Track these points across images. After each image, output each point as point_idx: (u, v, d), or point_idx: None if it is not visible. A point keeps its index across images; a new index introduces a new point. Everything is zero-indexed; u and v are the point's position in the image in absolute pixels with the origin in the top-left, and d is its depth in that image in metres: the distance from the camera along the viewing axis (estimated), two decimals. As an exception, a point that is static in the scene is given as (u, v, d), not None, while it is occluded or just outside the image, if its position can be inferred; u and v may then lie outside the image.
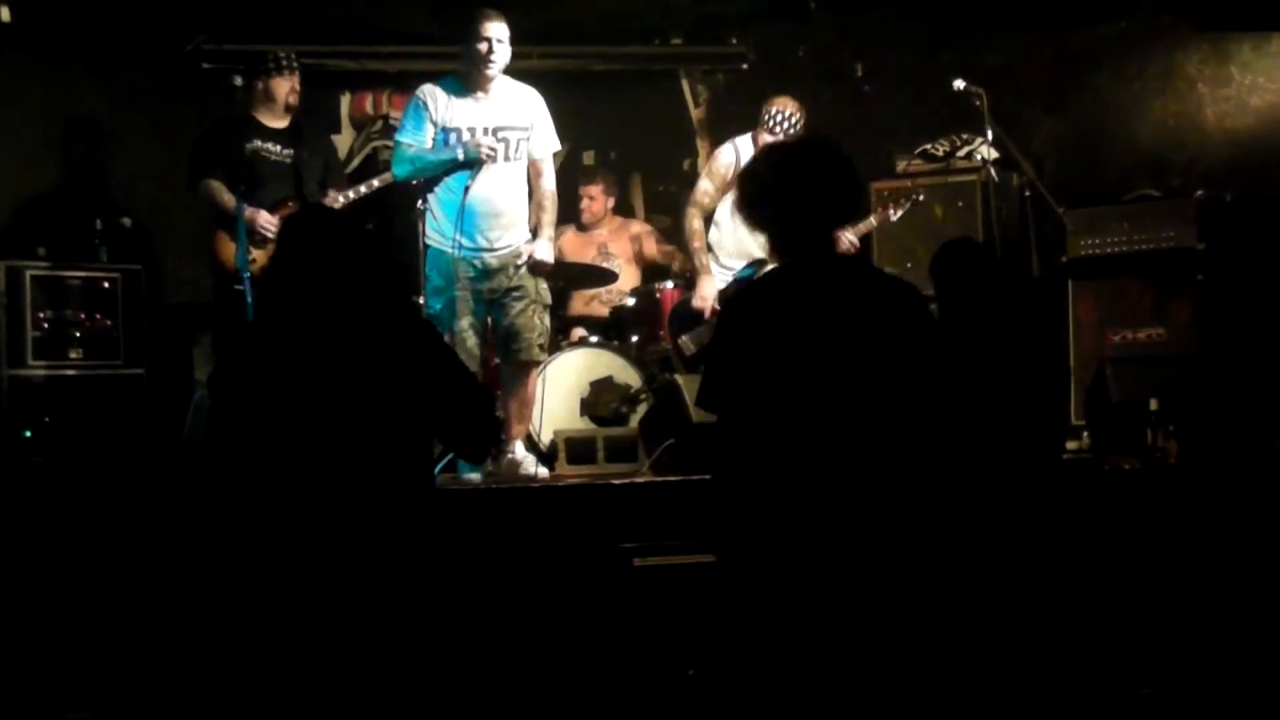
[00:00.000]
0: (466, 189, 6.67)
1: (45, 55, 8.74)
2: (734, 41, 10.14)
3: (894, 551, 3.77)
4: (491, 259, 6.77)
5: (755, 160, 4.21)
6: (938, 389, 3.89)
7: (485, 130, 6.70)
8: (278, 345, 4.05)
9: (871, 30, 9.61)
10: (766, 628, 3.84)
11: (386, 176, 7.37)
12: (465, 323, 6.72)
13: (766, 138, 7.63)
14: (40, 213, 8.56)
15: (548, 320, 7.01)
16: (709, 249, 7.89)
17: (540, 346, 6.96)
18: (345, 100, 10.03)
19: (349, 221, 4.44)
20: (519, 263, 6.80)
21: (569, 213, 9.06)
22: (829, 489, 3.77)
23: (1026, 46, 9.15)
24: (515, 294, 6.83)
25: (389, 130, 10.02)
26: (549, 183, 6.96)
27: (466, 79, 6.75)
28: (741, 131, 8.01)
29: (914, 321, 3.91)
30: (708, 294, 7.69)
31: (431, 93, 6.82)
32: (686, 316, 7.82)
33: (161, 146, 8.80)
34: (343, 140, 9.64)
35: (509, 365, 6.96)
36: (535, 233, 6.94)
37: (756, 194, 4.05)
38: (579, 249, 9.07)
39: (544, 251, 6.84)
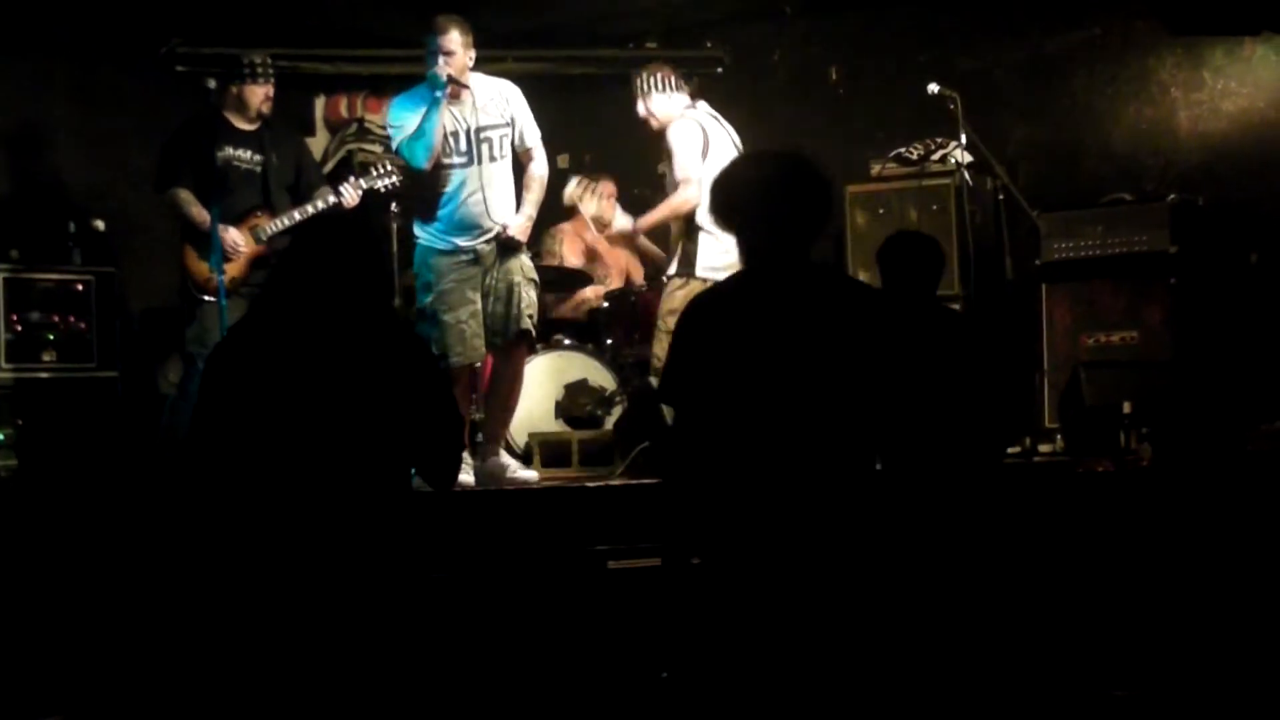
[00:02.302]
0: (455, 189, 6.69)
1: (19, 56, 8.71)
2: (709, 45, 10.15)
3: (840, 551, 3.81)
4: (484, 250, 6.76)
5: (726, 170, 4.22)
6: (890, 398, 3.93)
7: (466, 132, 6.68)
8: (270, 345, 4.05)
9: (847, 34, 9.64)
10: (717, 627, 3.89)
11: (322, 201, 7.33)
12: (464, 313, 6.68)
13: (640, 107, 7.50)
14: (13, 215, 8.53)
15: (534, 294, 6.97)
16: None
17: (530, 317, 6.92)
18: (320, 103, 10.02)
19: (368, 235, 4.43)
20: (496, 232, 6.76)
21: (557, 207, 9.05)
22: (774, 490, 3.81)
23: (1001, 51, 9.18)
24: (499, 275, 6.80)
25: (364, 133, 10.03)
26: (539, 168, 6.92)
27: (431, 109, 6.69)
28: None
29: (874, 330, 3.96)
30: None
31: (396, 104, 6.81)
32: None
33: (136, 149, 8.77)
34: (317, 143, 9.63)
35: (498, 354, 6.92)
36: (518, 207, 6.90)
37: (726, 204, 4.12)
38: (581, 251, 9.04)
39: (518, 227, 6.80)
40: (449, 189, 6.70)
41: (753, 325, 3.90)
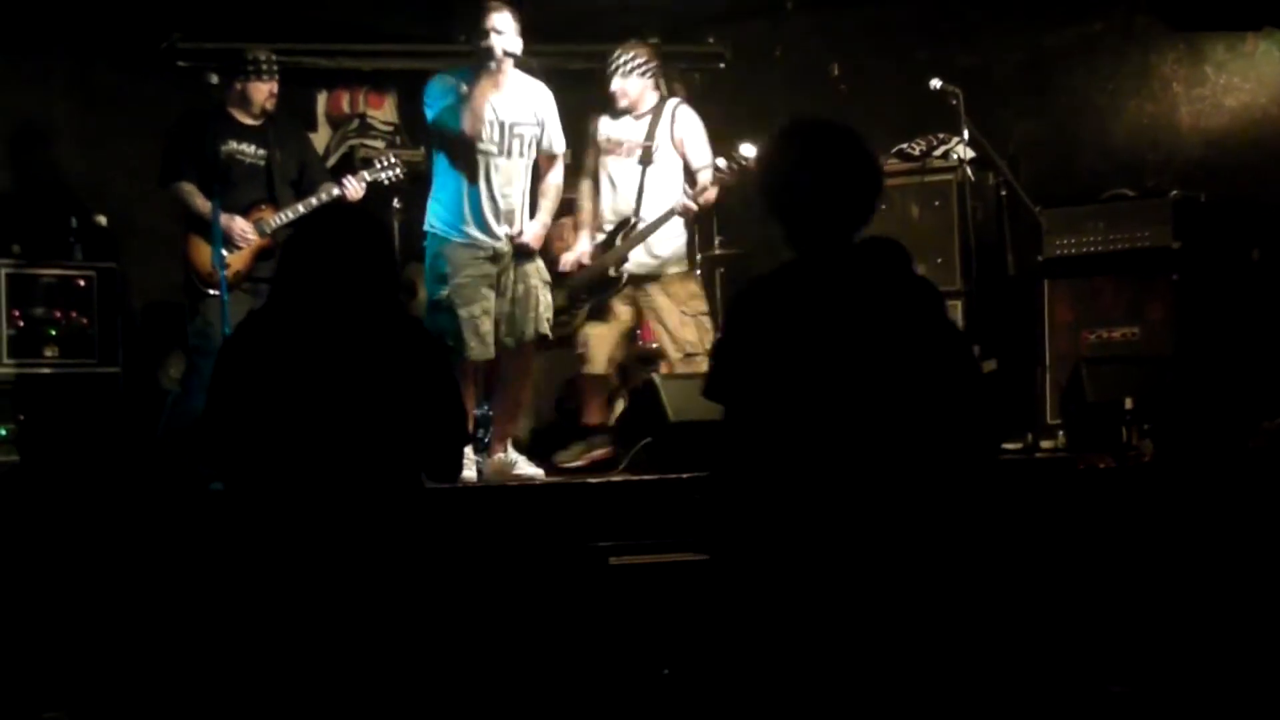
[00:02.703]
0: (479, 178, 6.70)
1: (21, 52, 8.71)
2: (711, 40, 10.14)
3: (901, 549, 3.70)
4: (501, 246, 6.77)
5: (774, 147, 4.00)
6: (946, 387, 3.80)
7: (500, 124, 6.70)
8: (281, 337, 4.05)
9: (848, 30, 9.63)
10: (767, 625, 3.77)
11: (326, 194, 7.35)
12: (479, 309, 6.69)
13: (616, 84, 7.64)
14: (15, 210, 8.53)
15: (549, 296, 6.98)
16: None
17: (547, 320, 6.94)
18: (321, 98, 10.01)
19: (376, 229, 4.43)
20: (510, 233, 6.78)
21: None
22: (833, 486, 3.69)
23: (1002, 47, 9.18)
24: (514, 276, 6.81)
25: (365, 129, 10.02)
26: (556, 177, 6.99)
27: (478, 73, 6.71)
28: (726, 130, 7.98)
29: (928, 320, 3.83)
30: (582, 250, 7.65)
31: (441, 77, 6.81)
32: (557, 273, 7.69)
33: (137, 145, 8.77)
34: (318, 138, 9.60)
35: (507, 354, 6.92)
36: (533, 214, 6.92)
37: (776, 184, 3.93)
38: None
39: (533, 234, 6.83)
40: (476, 177, 6.70)
41: (815, 318, 3.75)
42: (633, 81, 7.60)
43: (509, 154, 6.75)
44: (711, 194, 7.52)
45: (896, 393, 3.72)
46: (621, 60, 7.60)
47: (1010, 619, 5.23)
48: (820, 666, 3.70)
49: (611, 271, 7.55)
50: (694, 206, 7.56)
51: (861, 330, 3.74)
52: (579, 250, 7.58)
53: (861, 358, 3.72)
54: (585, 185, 7.71)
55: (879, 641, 3.69)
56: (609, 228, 7.61)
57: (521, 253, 6.81)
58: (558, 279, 7.42)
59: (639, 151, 7.62)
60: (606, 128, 7.69)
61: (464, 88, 6.63)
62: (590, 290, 7.60)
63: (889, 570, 3.69)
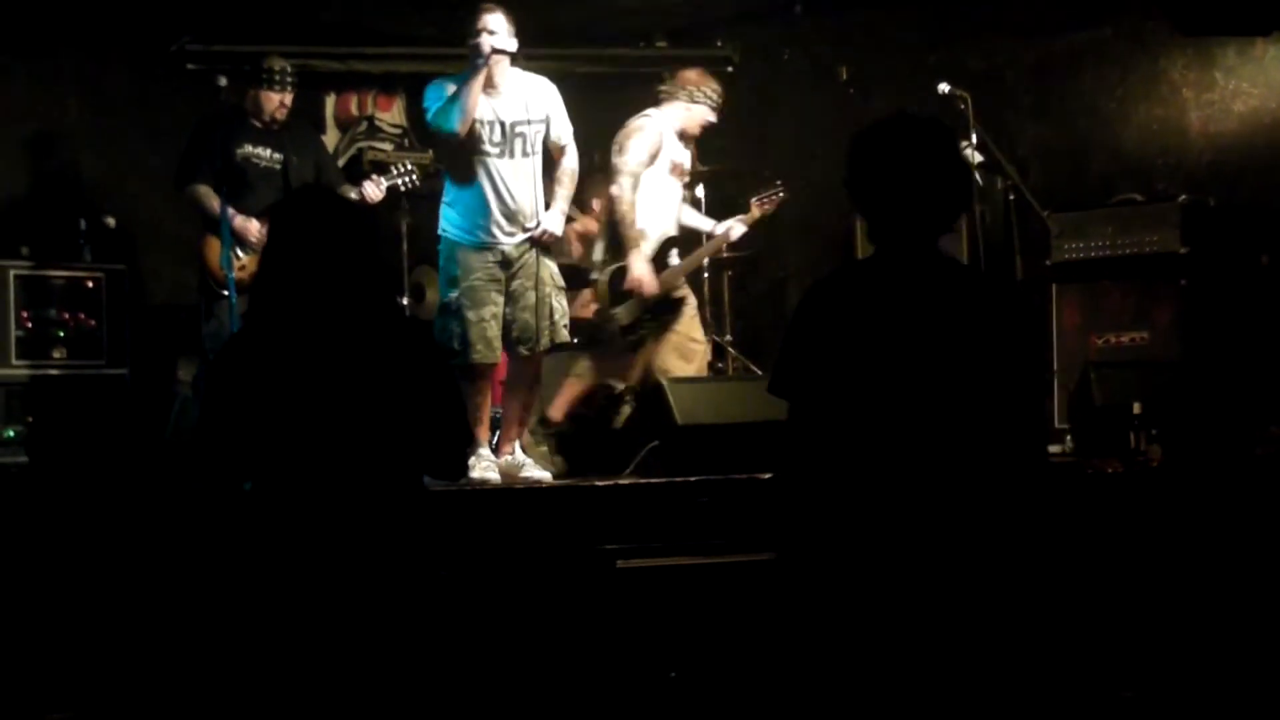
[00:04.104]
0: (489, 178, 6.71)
1: (29, 54, 8.73)
2: (719, 44, 10.15)
3: (965, 549, 3.68)
4: (512, 249, 6.76)
5: (869, 139, 3.86)
6: (1016, 393, 3.75)
7: (500, 125, 6.70)
8: (273, 344, 4.03)
9: (857, 33, 9.63)
10: (837, 622, 3.74)
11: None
12: (487, 312, 6.68)
13: (704, 112, 7.84)
14: (24, 212, 8.55)
15: (564, 302, 6.98)
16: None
17: (565, 327, 6.95)
18: (330, 101, 10.03)
19: (349, 207, 4.38)
20: (529, 228, 6.76)
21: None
22: (899, 485, 3.66)
23: (1011, 51, 9.18)
24: (528, 283, 6.79)
25: (374, 131, 10.04)
26: (571, 163, 6.94)
27: (469, 77, 6.70)
28: (733, 133, 8.02)
29: (1005, 324, 3.77)
30: (641, 273, 7.65)
31: (440, 80, 6.80)
32: (620, 293, 7.71)
33: (146, 147, 8.80)
34: (327, 141, 9.62)
35: (518, 360, 6.92)
36: (549, 204, 6.91)
37: (863, 177, 3.83)
38: (589, 248, 9.07)
39: (553, 222, 6.81)
40: (480, 180, 6.70)
41: (885, 316, 3.70)
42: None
43: (511, 154, 6.73)
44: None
45: (957, 397, 3.68)
46: (716, 98, 7.86)
47: (1022, 624, 5.23)
48: (879, 664, 3.69)
49: (677, 292, 7.81)
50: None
51: (928, 332, 3.70)
52: (640, 272, 7.58)
53: (925, 360, 3.68)
54: (637, 205, 7.71)
55: (930, 641, 3.67)
56: (652, 247, 7.69)
57: (539, 244, 6.77)
58: (620, 297, 7.59)
59: (688, 175, 8.00)
60: (675, 153, 7.85)
61: (452, 88, 6.63)
62: (656, 310, 7.70)
63: (941, 572, 3.67)
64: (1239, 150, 8.44)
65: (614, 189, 7.61)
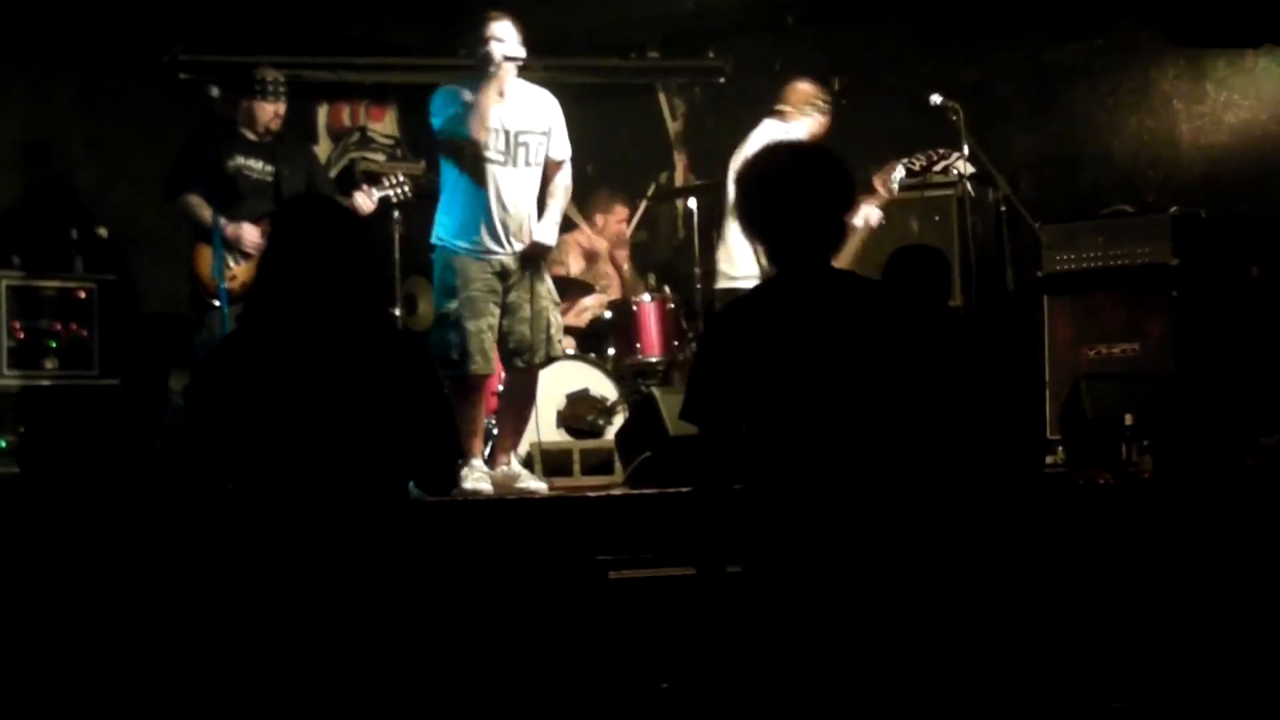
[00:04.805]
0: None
1: (22, 64, 8.72)
2: (711, 55, 10.17)
3: (880, 562, 3.74)
4: (510, 261, 6.75)
5: (752, 166, 4.02)
6: (927, 403, 3.84)
7: (506, 133, 6.69)
8: (262, 351, 4.03)
9: (849, 44, 9.65)
10: (757, 637, 3.82)
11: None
12: (484, 324, 6.65)
13: (825, 121, 7.83)
14: (16, 222, 8.54)
15: (559, 317, 6.97)
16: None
17: (559, 342, 6.94)
18: (322, 111, 10.03)
19: (347, 217, 4.38)
20: (518, 248, 6.75)
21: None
22: (813, 500, 3.74)
23: (1003, 62, 9.20)
24: (526, 296, 6.79)
25: (366, 142, 10.04)
26: (565, 179, 6.90)
27: (481, 80, 6.70)
28: (726, 145, 7.99)
29: (908, 335, 3.87)
30: None
31: (447, 87, 6.79)
32: None
33: (138, 157, 8.78)
34: (320, 151, 9.62)
35: (517, 373, 6.92)
36: (541, 217, 6.89)
37: (754, 201, 3.97)
38: (588, 263, 9.08)
39: (545, 234, 6.78)
40: (482, 188, 6.68)
41: (791, 336, 3.80)
42: None
43: (515, 163, 6.72)
44: None
45: (867, 410, 3.76)
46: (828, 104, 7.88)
47: (1009, 634, 5.23)
48: (811, 677, 3.74)
49: None
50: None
51: (833, 344, 3.78)
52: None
53: (833, 372, 3.76)
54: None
55: (866, 653, 3.72)
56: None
57: (533, 257, 6.76)
58: None
59: None
60: None
61: (468, 95, 6.62)
62: None
63: (865, 585, 3.73)
64: (1230, 162, 8.47)
65: None
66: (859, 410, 3.76)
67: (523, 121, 6.74)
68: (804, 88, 7.90)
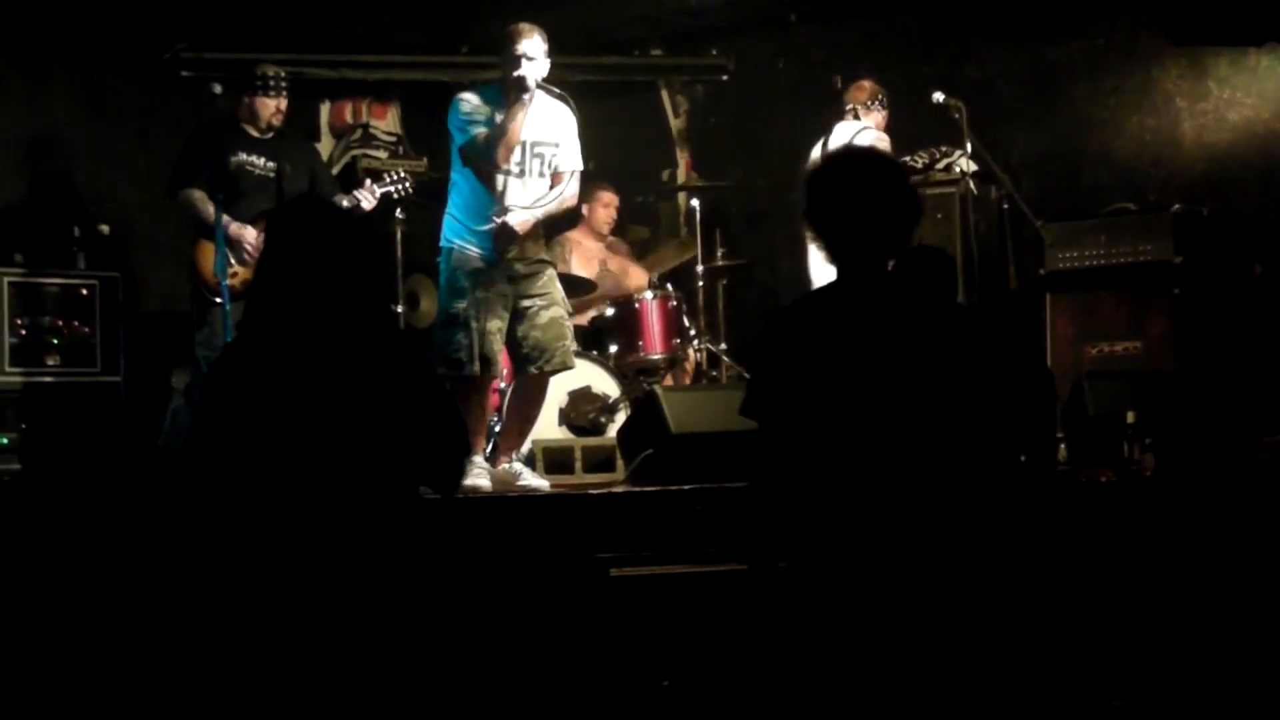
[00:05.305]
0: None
1: (24, 61, 8.72)
2: (714, 53, 10.17)
3: (938, 560, 3.81)
4: (521, 266, 6.72)
5: (820, 171, 4.14)
6: (980, 409, 3.91)
7: (524, 144, 6.65)
8: (266, 354, 4.03)
9: (851, 42, 9.65)
10: (814, 634, 3.87)
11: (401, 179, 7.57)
12: (494, 326, 6.62)
13: (877, 118, 8.08)
14: (18, 219, 8.54)
15: (571, 326, 6.95)
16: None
17: (573, 352, 6.92)
18: (325, 109, 10.03)
19: (343, 219, 4.38)
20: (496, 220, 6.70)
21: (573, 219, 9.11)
22: (872, 498, 3.81)
23: (1005, 60, 9.20)
24: (542, 301, 6.77)
25: (368, 139, 10.04)
26: (567, 188, 6.81)
27: (505, 91, 6.65)
28: (728, 142, 8.01)
29: (967, 345, 3.96)
30: None
31: (469, 99, 6.74)
32: None
33: (140, 154, 8.80)
34: (322, 149, 9.63)
35: (528, 377, 6.90)
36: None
37: (819, 205, 4.04)
38: (586, 262, 9.07)
39: (516, 218, 6.66)
40: (495, 194, 6.64)
41: (845, 336, 3.90)
42: None
43: (528, 173, 6.68)
44: None
45: (924, 411, 3.84)
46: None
47: (1014, 632, 5.22)
48: (860, 673, 3.79)
49: None
50: None
51: (890, 349, 3.87)
52: None
53: (890, 377, 3.84)
54: None
55: (913, 650, 3.77)
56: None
57: (499, 235, 6.67)
58: None
59: None
60: None
61: (498, 117, 6.57)
62: None
63: (919, 583, 3.79)
64: (1232, 160, 8.47)
65: None
66: (913, 413, 3.83)
67: (540, 132, 6.70)
68: (868, 85, 8.12)
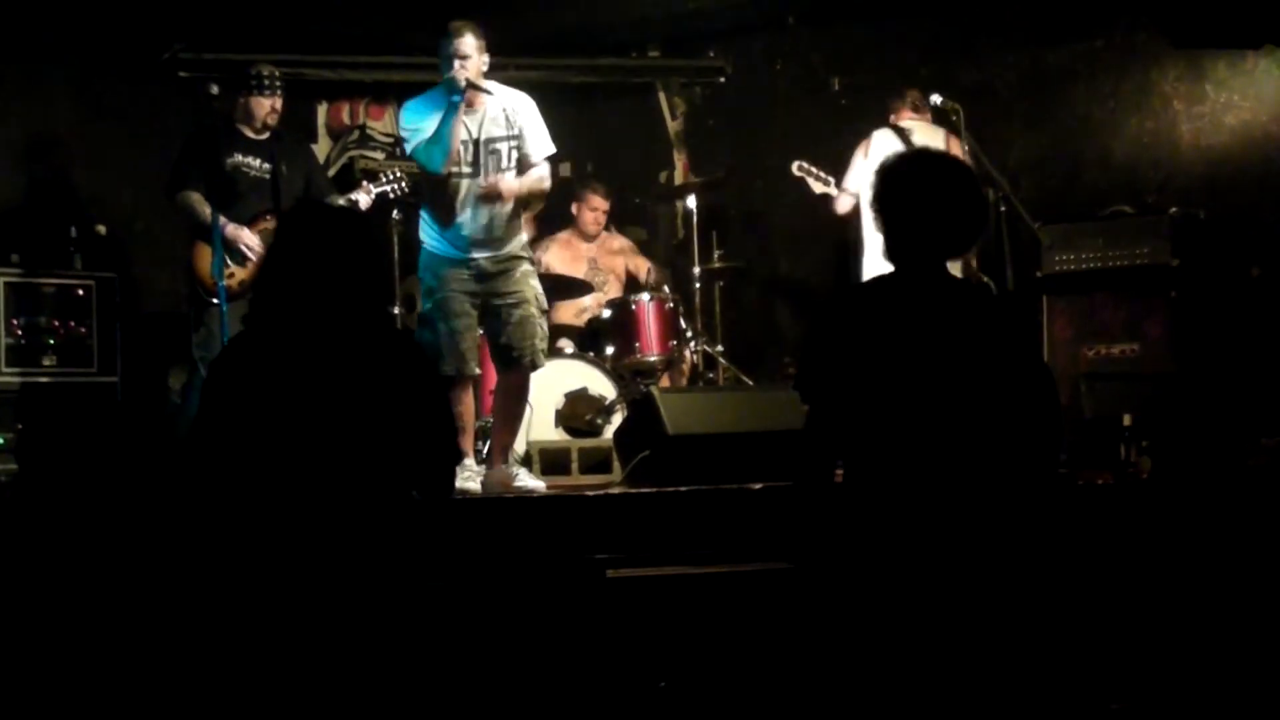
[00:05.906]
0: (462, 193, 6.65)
1: (21, 62, 8.72)
2: (711, 55, 10.16)
3: (982, 550, 3.88)
4: (488, 264, 6.72)
5: (895, 163, 4.19)
6: (1023, 404, 3.98)
7: (474, 143, 6.64)
8: (268, 352, 4.04)
9: (849, 45, 9.65)
10: (862, 627, 3.93)
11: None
12: (460, 324, 6.63)
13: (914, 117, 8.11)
14: (15, 219, 8.54)
15: (545, 325, 6.94)
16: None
17: (542, 351, 6.91)
18: (322, 110, 10.03)
19: (355, 222, 4.39)
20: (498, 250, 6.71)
21: (568, 220, 9.10)
22: (916, 489, 3.87)
23: (1004, 62, 9.21)
24: (512, 299, 6.76)
25: (365, 140, 10.04)
26: (538, 171, 6.77)
27: (447, 105, 6.64)
28: (726, 144, 8.01)
29: (1012, 336, 4.04)
30: None
31: (411, 105, 6.74)
32: None
33: (138, 154, 8.79)
34: (319, 150, 9.63)
35: (508, 374, 6.91)
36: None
37: (888, 197, 4.10)
38: (572, 261, 9.07)
39: (505, 180, 6.66)
40: (454, 197, 6.66)
41: (901, 328, 3.96)
42: None
43: (484, 172, 6.64)
44: None
45: (970, 404, 3.91)
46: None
47: (1013, 635, 5.22)
48: (898, 664, 3.87)
49: None
50: None
51: (942, 344, 3.94)
52: None
53: (940, 369, 3.92)
54: None
55: (949, 641, 3.87)
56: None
57: (486, 194, 6.65)
58: None
59: None
60: None
61: (437, 120, 6.55)
62: None
63: (959, 573, 3.87)
64: (1230, 163, 8.47)
65: None
66: (960, 408, 3.90)
67: (491, 129, 6.67)
68: (910, 93, 8.16)
